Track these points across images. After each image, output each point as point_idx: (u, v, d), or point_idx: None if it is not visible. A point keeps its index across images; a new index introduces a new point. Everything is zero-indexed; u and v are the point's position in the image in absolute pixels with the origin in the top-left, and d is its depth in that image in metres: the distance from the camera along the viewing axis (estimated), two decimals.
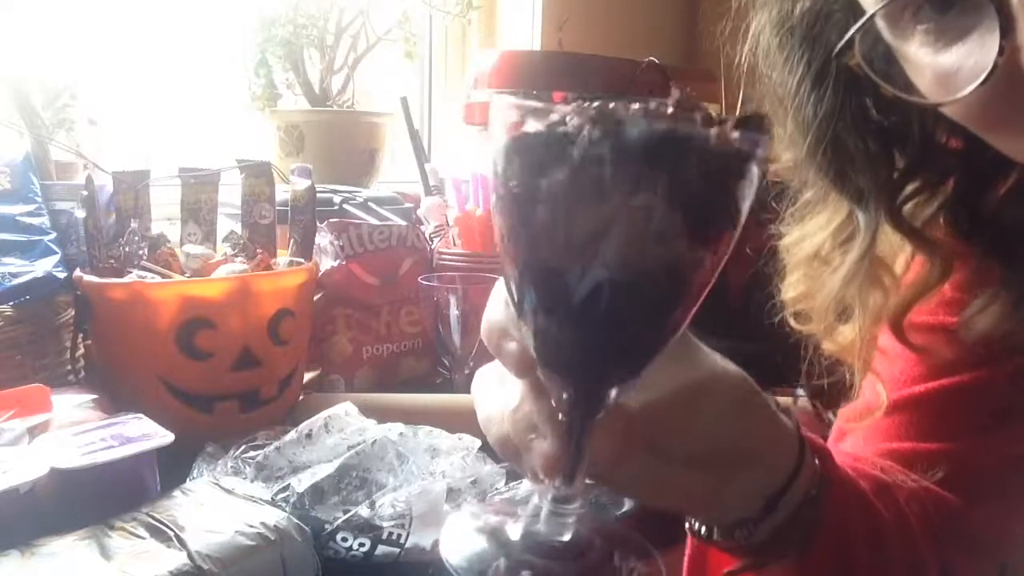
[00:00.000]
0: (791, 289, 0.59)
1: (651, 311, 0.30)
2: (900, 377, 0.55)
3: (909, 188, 0.51)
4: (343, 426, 0.68)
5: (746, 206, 0.29)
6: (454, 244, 1.06)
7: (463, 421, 0.76)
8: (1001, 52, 0.36)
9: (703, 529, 0.43)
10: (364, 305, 0.94)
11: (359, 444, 0.63)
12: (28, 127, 0.92)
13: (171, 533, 0.52)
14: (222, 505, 0.56)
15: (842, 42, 0.43)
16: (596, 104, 0.27)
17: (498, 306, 0.36)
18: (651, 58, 1.34)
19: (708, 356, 0.38)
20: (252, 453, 0.67)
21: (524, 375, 0.35)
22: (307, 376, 0.88)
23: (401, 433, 0.65)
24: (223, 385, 0.75)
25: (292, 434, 0.66)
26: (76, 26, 1.15)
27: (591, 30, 1.65)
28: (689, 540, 0.46)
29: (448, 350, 0.89)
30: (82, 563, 0.49)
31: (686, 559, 0.48)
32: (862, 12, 0.42)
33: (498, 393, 0.38)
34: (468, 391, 0.93)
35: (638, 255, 0.28)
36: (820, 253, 0.55)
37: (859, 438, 0.57)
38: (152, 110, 1.27)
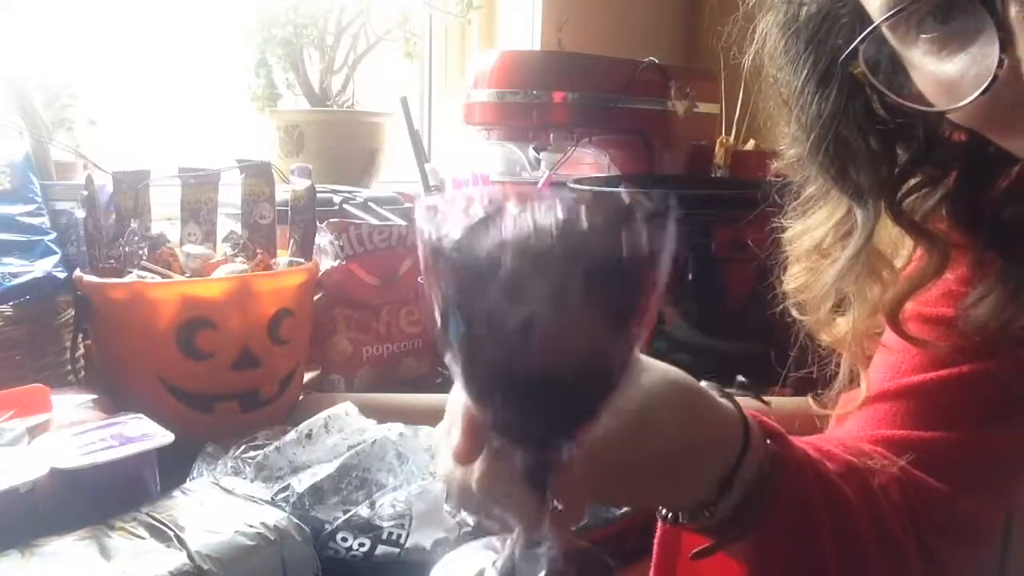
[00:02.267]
0: (792, 281, 0.60)
1: (575, 391, 0.33)
2: (899, 366, 0.56)
3: (911, 183, 0.52)
4: (343, 426, 0.68)
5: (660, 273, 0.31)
6: None
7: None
8: (1000, 64, 0.37)
9: (669, 514, 0.47)
10: (364, 305, 0.94)
11: (359, 444, 0.63)
12: (28, 127, 0.92)
13: (171, 533, 0.52)
14: (222, 505, 0.56)
15: (847, 51, 0.45)
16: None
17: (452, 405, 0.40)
18: (651, 58, 1.34)
19: (646, 372, 0.42)
20: (252, 453, 0.67)
21: (477, 449, 0.37)
22: (307, 376, 0.88)
23: (401, 433, 0.65)
24: (223, 385, 0.75)
25: (292, 434, 0.66)
26: (76, 26, 1.15)
27: (591, 30, 1.65)
28: (658, 523, 0.49)
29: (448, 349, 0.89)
30: (82, 563, 0.49)
31: (656, 541, 0.51)
32: (868, 18, 0.43)
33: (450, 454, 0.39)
34: None
35: (549, 354, 0.30)
36: (821, 246, 0.56)
37: (854, 425, 0.57)
38: (152, 110, 1.27)
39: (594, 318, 0.30)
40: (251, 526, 0.52)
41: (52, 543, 0.51)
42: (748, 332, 1.00)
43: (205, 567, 0.49)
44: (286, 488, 0.60)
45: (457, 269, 0.30)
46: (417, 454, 0.65)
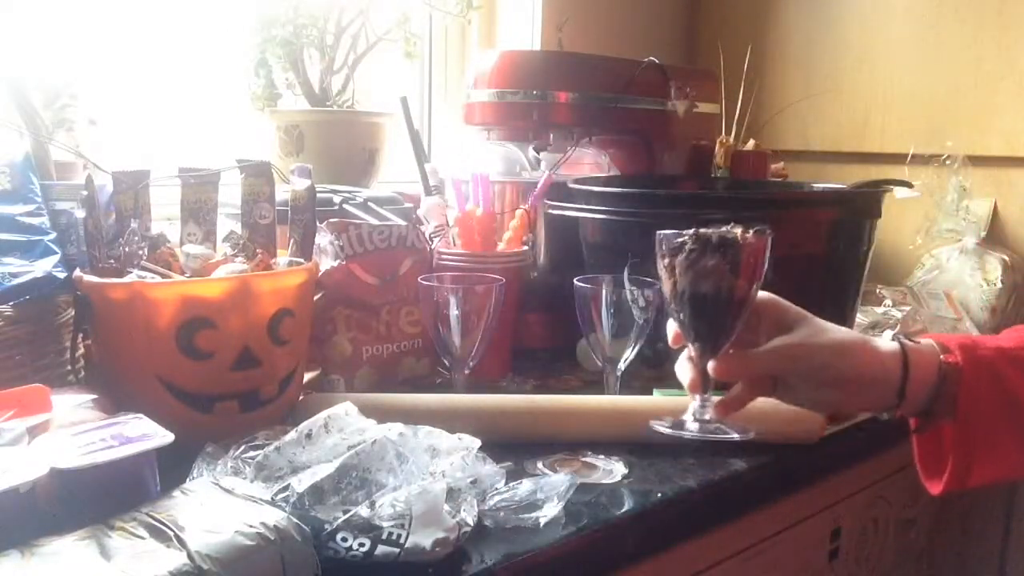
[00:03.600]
0: None
1: (732, 308, 0.66)
2: None
3: None
4: (343, 426, 0.68)
5: (763, 263, 0.67)
6: (454, 244, 1.06)
7: (463, 421, 0.76)
8: None
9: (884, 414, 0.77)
10: (364, 305, 0.94)
11: (359, 444, 0.63)
12: (28, 127, 0.92)
13: (171, 533, 0.51)
14: (222, 505, 0.56)
15: None
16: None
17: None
18: (651, 58, 1.34)
19: (836, 330, 0.69)
20: (252, 453, 0.66)
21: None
22: (307, 376, 0.88)
23: (401, 433, 0.65)
24: (223, 385, 0.75)
25: (292, 434, 0.66)
26: (76, 26, 1.15)
27: (591, 30, 1.65)
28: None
29: (448, 350, 0.89)
30: (82, 563, 0.49)
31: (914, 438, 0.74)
32: None
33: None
34: (468, 391, 0.94)
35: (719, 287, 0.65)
36: None
37: None
38: (152, 110, 1.27)
39: (721, 291, 0.65)
40: (251, 526, 0.52)
41: (52, 543, 0.51)
42: None
43: (205, 567, 0.49)
44: (286, 488, 0.60)
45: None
46: (417, 454, 0.65)
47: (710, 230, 0.65)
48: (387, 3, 1.35)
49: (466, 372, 0.90)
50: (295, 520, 0.55)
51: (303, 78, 1.32)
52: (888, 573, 1.12)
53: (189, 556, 0.49)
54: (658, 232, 0.68)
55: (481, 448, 0.68)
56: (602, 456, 0.79)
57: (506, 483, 0.68)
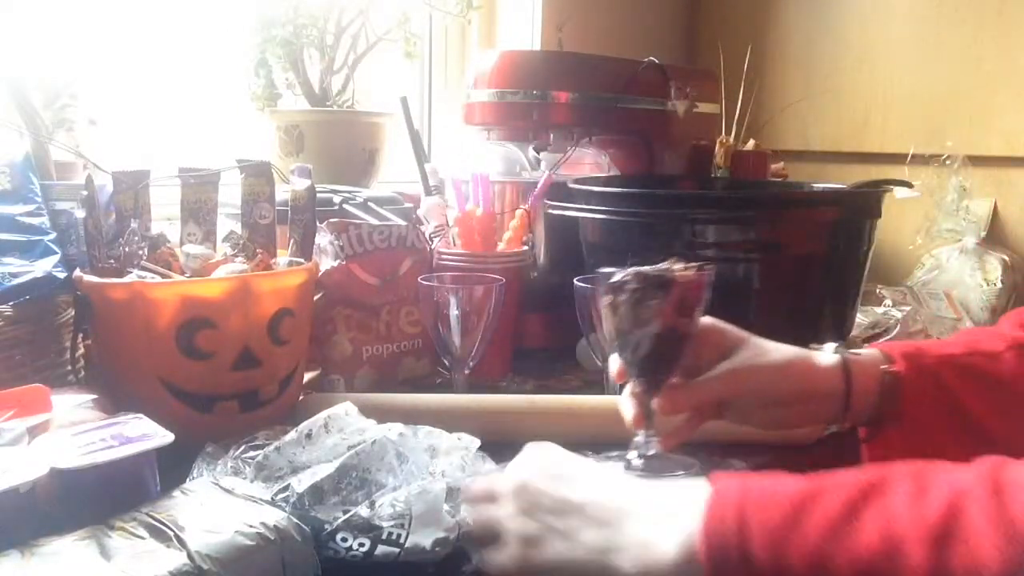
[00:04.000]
0: None
1: (674, 345, 0.67)
2: None
3: None
4: (343, 426, 0.68)
5: (703, 300, 0.67)
6: (454, 244, 1.06)
7: (463, 421, 0.76)
8: None
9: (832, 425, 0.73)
10: (364, 305, 0.94)
11: (359, 444, 0.63)
12: (28, 127, 0.92)
13: (171, 533, 0.52)
14: (222, 505, 0.56)
15: None
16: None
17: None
18: (651, 58, 1.34)
19: (778, 349, 0.69)
20: (252, 453, 0.66)
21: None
22: (307, 376, 0.88)
23: (401, 433, 0.65)
24: (223, 385, 0.75)
25: (292, 434, 0.66)
26: (76, 26, 1.15)
27: (591, 30, 1.65)
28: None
29: (448, 350, 0.89)
30: (82, 563, 0.49)
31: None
32: None
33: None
34: (468, 391, 0.94)
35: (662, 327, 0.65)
36: None
37: None
38: (152, 110, 1.27)
39: (662, 330, 0.65)
40: (251, 526, 0.52)
41: (52, 543, 0.51)
42: (747, 331, 1.00)
43: (205, 567, 0.49)
44: (286, 488, 0.60)
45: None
46: (417, 454, 0.65)
47: (650, 268, 0.65)
48: (387, 3, 1.35)
49: (466, 372, 0.90)
50: (295, 520, 0.55)
51: (303, 78, 1.32)
52: None
53: (189, 556, 0.49)
54: (598, 270, 0.68)
55: (481, 448, 0.68)
56: (602, 456, 0.79)
57: None
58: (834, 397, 0.68)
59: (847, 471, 0.48)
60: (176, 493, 0.59)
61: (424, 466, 0.64)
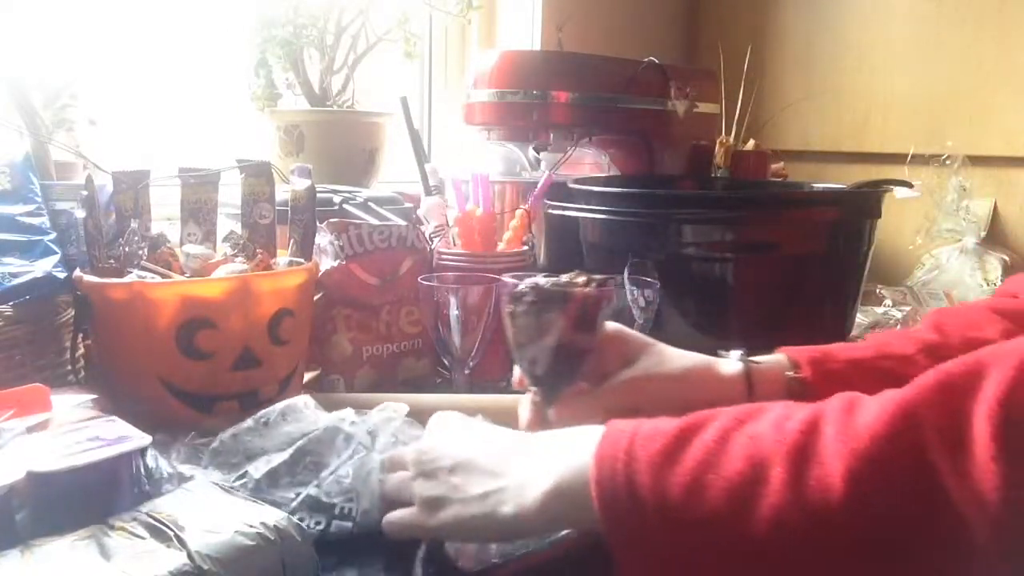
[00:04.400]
0: None
1: (573, 359, 0.66)
2: None
3: None
4: (300, 417, 0.68)
5: (606, 313, 0.66)
6: (454, 244, 1.06)
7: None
8: None
9: None
10: (364, 305, 0.94)
11: (312, 431, 0.65)
12: (28, 127, 0.92)
13: (171, 533, 0.51)
14: (222, 505, 0.56)
15: None
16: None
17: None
18: (651, 58, 1.34)
19: (682, 356, 0.69)
20: (204, 439, 0.68)
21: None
22: (307, 376, 0.88)
23: (352, 421, 0.67)
24: (223, 385, 0.75)
25: (248, 422, 0.67)
26: (76, 26, 1.15)
27: (591, 30, 1.66)
28: None
29: (448, 350, 0.89)
30: (82, 563, 0.49)
31: None
32: None
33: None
34: (468, 391, 0.94)
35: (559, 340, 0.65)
36: None
37: None
38: (152, 110, 1.27)
39: (558, 344, 0.64)
40: (251, 526, 0.52)
41: (52, 543, 0.51)
42: (747, 331, 1.00)
43: (205, 567, 0.49)
44: (244, 475, 0.62)
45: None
46: (361, 435, 0.66)
47: (550, 280, 0.64)
48: (387, 3, 1.35)
49: (466, 372, 0.90)
50: (295, 520, 0.55)
51: (303, 78, 1.32)
52: None
53: (189, 556, 0.49)
54: (501, 278, 0.69)
55: (408, 414, 0.71)
56: None
57: None
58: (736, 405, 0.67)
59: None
60: (176, 493, 0.58)
61: (366, 444, 0.65)
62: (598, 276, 0.66)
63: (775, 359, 0.69)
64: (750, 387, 0.67)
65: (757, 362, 0.69)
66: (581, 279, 0.65)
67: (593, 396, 0.68)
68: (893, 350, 0.69)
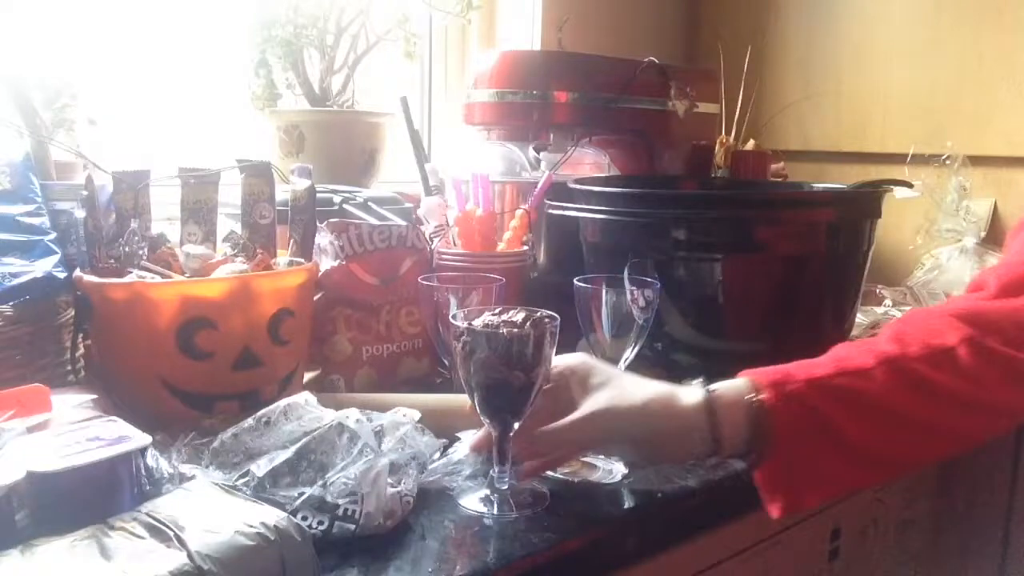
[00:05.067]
0: None
1: (511, 396, 0.66)
2: None
3: None
4: (302, 414, 0.68)
5: (545, 351, 0.66)
6: (454, 244, 1.06)
7: (463, 421, 0.76)
8: None
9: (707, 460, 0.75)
10: (364, 305, 0.94)
11: (315, 430, 0.65)
12: (28, 127, 0.92)
13: (171, 533, 0.51)
14: (222, 505, 0.56)
15: None
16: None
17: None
18: (651, 58, 1.34)
19: (643, 384, 0.70)
20: (204, 439, 0.68)
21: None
22: (307, 376, 0.88)
23: (357, 419, 0.67)
24: (223, 385, 0.75)
25: (249, 421, 0.67)
26: (76, 26, 1.15)
27: (591, 30, 1.66)
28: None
29: (448, 350, 0.89)
30: (82, 563, 0.49)
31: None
32: None
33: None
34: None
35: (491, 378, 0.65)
36: None
37: None
38: (152, 110, 1.27)
39: (492, 383, 0.66)
40: (251, 526, 0.52)
41: (52, 543, 0.51)
42: (747, 332, 1.00)
43: (205, 567, 0.49)
44: (246, 474, 0.62)
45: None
46: (367, 435, 0.66)
47: (483, 320, 0.66)
48: (387, 3, 1.35)
49: None
50: (295, 520, 0.55)
51: (303, 78, 1.32)
52: (888, 574, 1.12)
53: (189, 556, 0.49)
54: (457, 311, 0.71)
55: (419, 420, 0.71)
56: (602, 456, 0.79)
57: (442, 454, 0.73)
58: (701, 433, 0.67)
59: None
60: (176, 493, 0.58)
61: (373, 446, 0.65)
62: (541, 313, 0.67)
63: (735, 384, 0.69)
64: (711, 414, 0.67)
65: (713, 391, 0.69)
66: (520, 316, 0.66)
67: (554, 430, 0.68)
68: (852, 364, 0.69)
